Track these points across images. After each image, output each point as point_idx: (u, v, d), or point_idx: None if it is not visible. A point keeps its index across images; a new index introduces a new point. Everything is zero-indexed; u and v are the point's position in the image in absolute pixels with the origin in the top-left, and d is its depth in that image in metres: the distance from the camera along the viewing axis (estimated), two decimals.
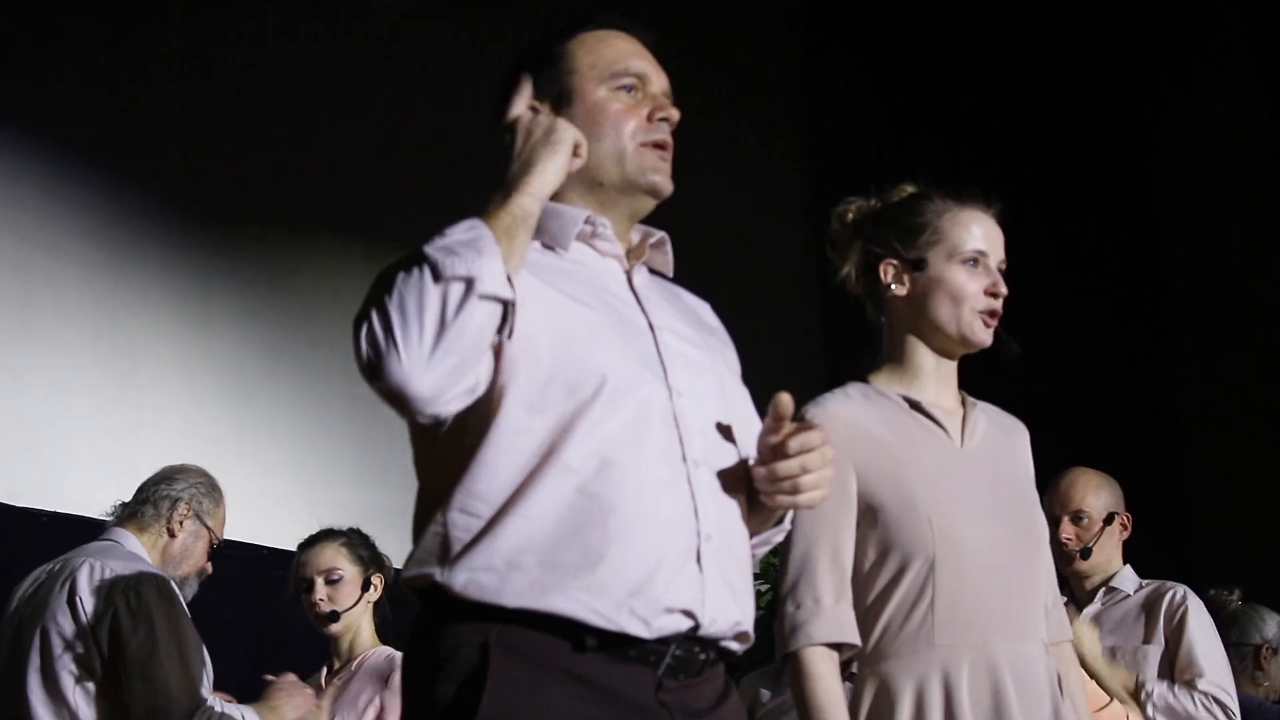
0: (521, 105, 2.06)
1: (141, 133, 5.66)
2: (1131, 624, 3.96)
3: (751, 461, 2.02)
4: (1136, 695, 3.76)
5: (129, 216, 5.61)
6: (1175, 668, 3.85)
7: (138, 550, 3.81)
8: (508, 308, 1.87)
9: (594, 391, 1.93)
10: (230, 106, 5.92)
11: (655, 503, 1.93)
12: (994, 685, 2.39)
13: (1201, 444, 7.60)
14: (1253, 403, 7.36)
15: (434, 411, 1.87)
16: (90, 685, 3.66)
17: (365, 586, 4.06)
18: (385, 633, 4.10)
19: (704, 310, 2.27)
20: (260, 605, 4.08)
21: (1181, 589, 3.93)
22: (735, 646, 2.02)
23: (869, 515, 2.45)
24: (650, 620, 1.89)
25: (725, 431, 2.05)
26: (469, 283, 1.82)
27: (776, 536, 2.19)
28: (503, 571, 1.87)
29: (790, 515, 2.17)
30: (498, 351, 1.92)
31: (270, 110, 6.04)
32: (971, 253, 2.50)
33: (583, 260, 2.09)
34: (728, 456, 2.04)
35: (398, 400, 1.86)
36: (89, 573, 3.68)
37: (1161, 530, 6.79)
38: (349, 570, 4.06)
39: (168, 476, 3.96)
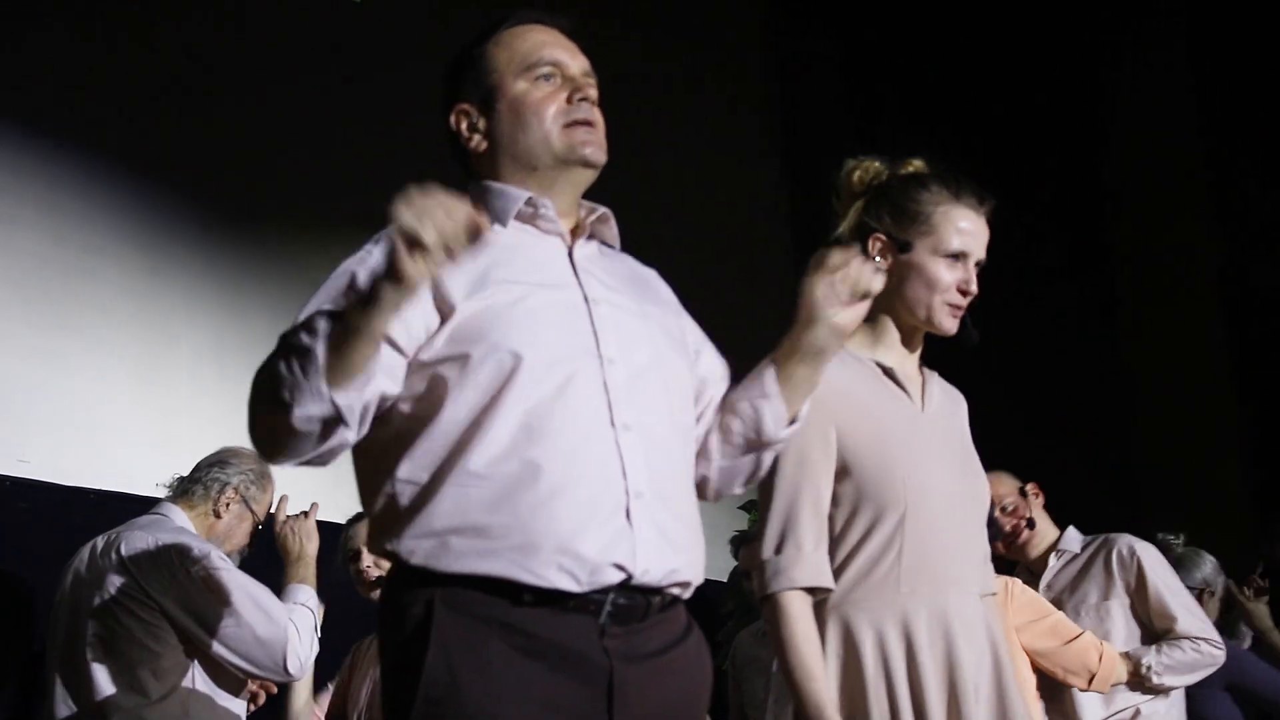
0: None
1: (174, 139, 5.67)
2: (1086, 581, 4.07)
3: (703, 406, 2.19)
4: (1137, 673, 3.89)
5: (163, 218, 5.62)
6: (1149, 619, 3.99)
7: (184, 524, 3.89)
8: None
9: (523, 365, 1.98)
10: (259, 113, 5.92)
11: (583, 465, 1.97)
12: (946, 634, 2.49)
13: (1147, 389, 7.89)
14: (1196, 362, 7.66)
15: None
16: (148, 647, 3.67)
17: None
18: None
19: (652, 278, 2.32)
20: None
21: (1126, 540, 4.07)
22: (677, 593, 2.07)
23: (846, 471, 2.54)
24: (579, 575, 1.94)
25: (659, 396, 2.10)
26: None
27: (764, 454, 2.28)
28: (442, 537, 1.94)
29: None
30: (432, 335, 2.00)
31: (298, 114, 6.05)
32: (956, 250, 2.60)
33: (523, 242, 2.14)
34: (662, 419, 2.09)
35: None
36: (140, 543, 3.73)
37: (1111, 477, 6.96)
38: None
39: (222, 460, 4.01)
